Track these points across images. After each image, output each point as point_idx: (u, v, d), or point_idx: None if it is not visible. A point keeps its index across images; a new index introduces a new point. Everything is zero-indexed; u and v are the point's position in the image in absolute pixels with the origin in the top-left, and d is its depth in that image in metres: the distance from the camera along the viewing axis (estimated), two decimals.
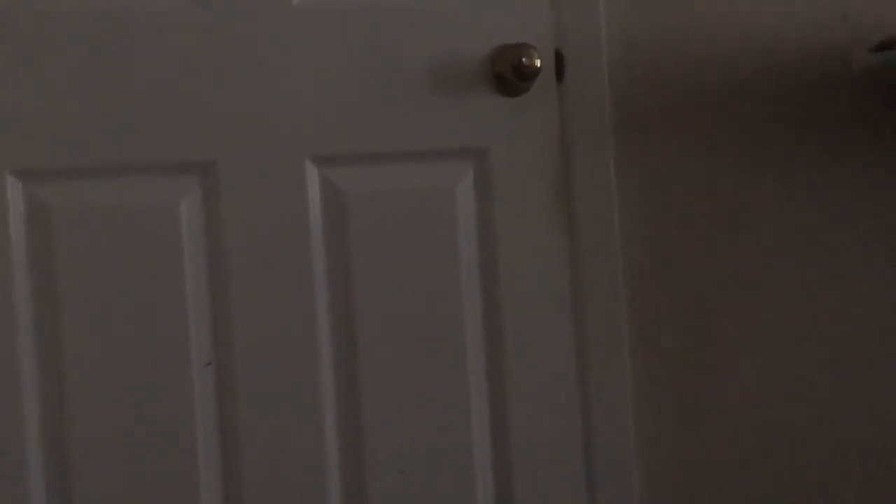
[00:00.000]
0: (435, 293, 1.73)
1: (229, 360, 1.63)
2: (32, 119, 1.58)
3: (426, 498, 1.72)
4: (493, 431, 1.76)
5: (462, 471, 1.74)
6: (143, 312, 1.60)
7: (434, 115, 1.72)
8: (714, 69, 1.85)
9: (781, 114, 1.88)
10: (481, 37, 1.73)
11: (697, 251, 1.86)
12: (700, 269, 1.86)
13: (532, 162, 1.76)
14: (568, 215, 1.79)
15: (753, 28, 1.86)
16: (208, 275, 1.63)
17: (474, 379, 1.75)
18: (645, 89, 1.83)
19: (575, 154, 1.79)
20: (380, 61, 1.70)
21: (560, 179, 1.78)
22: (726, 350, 1.87)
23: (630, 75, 1.82)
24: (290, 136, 1.67)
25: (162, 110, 1.62)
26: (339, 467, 1.69)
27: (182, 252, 1.62)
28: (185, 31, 1.63)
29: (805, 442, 1.89)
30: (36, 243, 1.57)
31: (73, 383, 1.57)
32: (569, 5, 1.78)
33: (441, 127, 1.73)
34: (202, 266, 1.63)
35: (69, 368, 1.57)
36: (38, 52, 1.58)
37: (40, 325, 1.57)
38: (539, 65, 1.69)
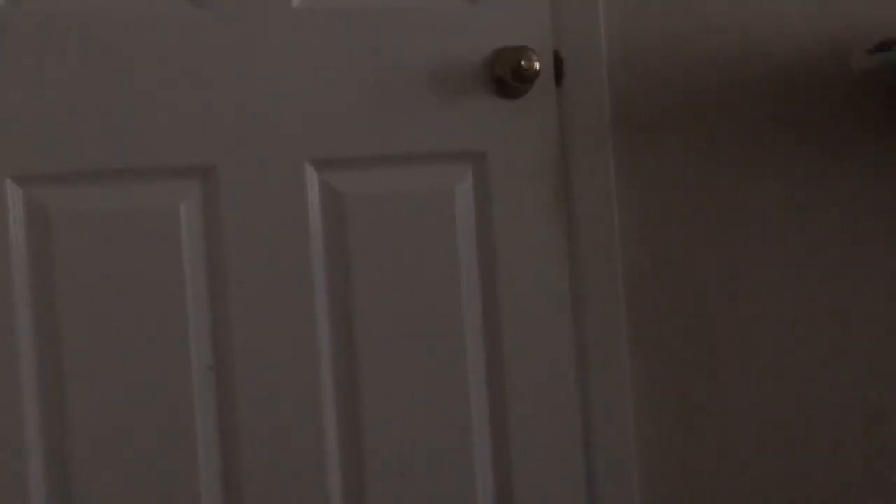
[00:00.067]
0: (435, 295, 1.73)
1: (229, 363, 1.64)
2: (32, 123, 1.57)
3: (426, 498, 1.73)
4: (492, 432, 1.76)
5: (462, 471, 1.75)
6: (144, 316, 1.60)
7: (433, 118, 1.72)
8: (714, 70, 1.85)
9: (781, 114, 1.88)
10: (480, 39, 1.73)
11: (697, 251, 1.86)
12: (700, 269, 1.87)
13: (531, 164, 1.76)
14: (568, 216, 1.79)
15: (753, 29, 1.86)
16: (208, 278, 1.63)
17: (474, 380, 1.75)
18: (645, 90, 1.83)
19: (575, 155, 1.79)
20: (379, 64, 1.70)
21: (560, 181, 1.78)
22: (726, 350, 1.87)
23: (630, 76, 1.82)
24: (289, 139, 1.67)
25: (161, 114, 1.62)
26: (339, 469, 1.69)
27: (182, 256, 1.62)
28: (185, 34, 1.63)
29: (805, 441, 1.90)
30: (36, 248, 1.57)
31: (73, 387, 1.57)
32: (568, 7, 1.78)
33: (440, 129, 1.73)
34: (202, 270, 1.63)
35: (69, 373, 1.57)
36: (37, 55, 1.57)
37: (41, 329, 1.57)
38: (538, 68, 1.69)
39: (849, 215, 1.90)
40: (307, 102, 1.67)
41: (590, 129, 1.80)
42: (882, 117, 1.90)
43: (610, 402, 1.81)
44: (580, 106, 1.79)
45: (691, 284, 1.86)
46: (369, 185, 1.70)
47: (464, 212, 1.75)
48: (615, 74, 1.82)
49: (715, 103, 1.86)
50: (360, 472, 1.70)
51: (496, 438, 1.76)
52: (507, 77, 1.70)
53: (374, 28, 1.70)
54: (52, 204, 1.58)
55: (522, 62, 1.68)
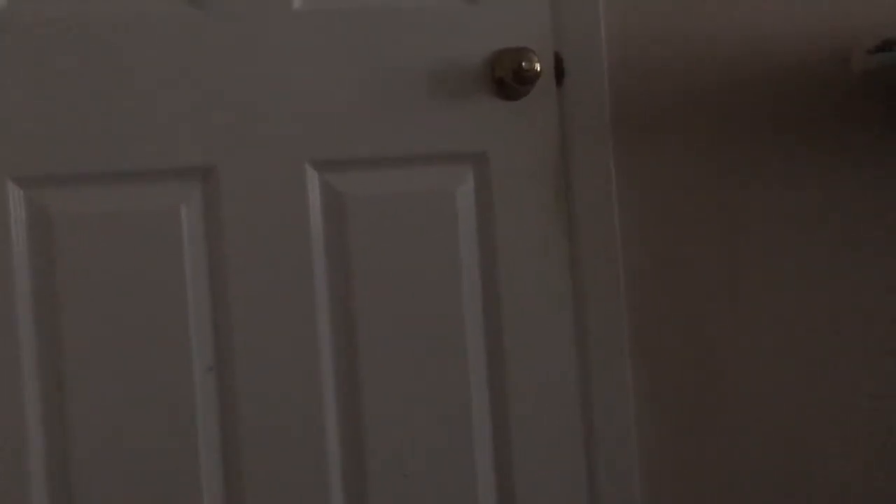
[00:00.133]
0: (436, 295, 1.73)
1: (230, 364, 1.64)
2: (33, 125, 1.57)
3: (427, 498, 1.73)
4: (493, 431, 1.76)
5: (463, 471, 1.75)
6: (145, 318, 1.61)
7: (434, 119, 1.72)
8: (714, 70, 1.85)
9: (781, 114, 1.88)
10: (481, 40, 1.73)
11: (697, 251, 1.86)
12: (700, 269, 1.87)
13: (532, 164, 1.76)
14: (568, 216, 1.79)
15: (753, 29, 1.86)
16: (209, 280, 1.64)
17: (475, 380, 1.75)
18: (645, 90, 1.83)
19: (575, 155, 1.79)
20: (380, 65, 1.70)
21: (560, 181, 1.78)
22: (726, 350, 1.87)
23: (629, 76, 1.82)
24: (290, 140, 1.67)
25: (162, 115, 1.62)
26: (340, 469, 1.70)
27: (183, 257, 1.62)
28: (185, 35, 1.63)
29: (805, 442, 1.90)
30: (37, 250, 1.57)
31: (74, 388, 1.58)
32: (568, 8, 1.78)
33: (441, 130, 1.73)
34: (203, 271, 1.63)
35: (70, 374, 1.57)
36: (38, 56, 1.58)
37: (42, 330, 1.57)
38: (539, 69, 1.69)
39: (849, 215, 1.90)
40: (308, 103, 1.67)
41: (590, 129, 1.80)
42: (882, 118, 1.90)
43: (610, 401, 1.81)
44: (580, 106, 1.79)
45: (691, 284, 1.86)
46: (370, 186, 1.70)
47: (464, 212, 1.75)
48: (615, 74, 1.82)
49: (715, 103, 1.86)
50: (362, 473, 1.70)
51: (497, 438, 1.76)
52: (507, 78, 1.70)
53: (374, 29, 1.70)
54: (53, 205, 1.58)
55: (523, 63, 1.68)
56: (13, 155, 1.57)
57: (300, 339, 1.67)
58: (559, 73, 1.78)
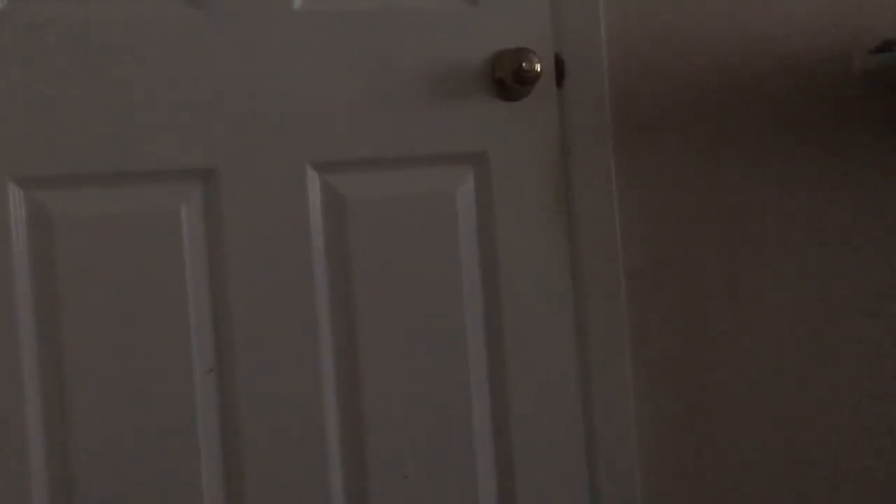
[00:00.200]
0: (436, 296, 1.73)
1: (231, 365, 1.64)
2: (33, 125, 1.57)
3: (428, 499, 1.73)
4: (494, 431, 1.77)
5: (464, 471, 1.75)
6: (145, 319, 1.60)
7: (434, 120, 1.72)
8: (714, 70, 1.85)
9: (781, 114, 1.88)
10: (481, 41, 1.73)
11: (697, 251, 1.87)
12: (700, 269, 1.87)
13: (532, 165, 1.76)
14: (568, 216, 1.79)
15: (753, 29, 1.86)
16: (209, 281, 1.63)
17: (476, 380, 1.75)
18: (645, 90, 1.83)
19: (575, 155, 1.79)
20: (380, 66, 1.70)
21: (560, 181, 1.78)
22: (726, 350, 1.88)
23: (629, 76, 1.83)
24: (290, 142, 1.67)
25: (162, 116, 1.61)
26: (341, 470, 1.70)
27: (183, 258, 1.62)
28: (185, 36, 1.63)
29: (804, 442, 1.90)
30: (37, 250, 1.57)
31: (74, 389, 1.57)
32: (568, 8, 1.78)
33: (441, 131, 1.73)
34: (203, 272, 1.63)
35: (71, 375, 1.57)
36: (38, 58, 1.57)
37: (42, 331, 1.57)
38: (539, 69, 1.69)
39: (849, 215, 1.90)
40: (308, 104, 1.67)
41: (590, 129, 1.80)
42: (883, 118, 1.90)
43: (610, 401, 1.81)
44: (580, 107, 1.79)
45: (691, 284, 1.86)
46: (370, 187, 1.70)
47: (465, 213, 1.75)
48: (615, 75, 1.82)
49: (715, 103, 1.86)
50: (362, 473, 1.70)
51: (497, 438, 1.77)
52: (508, 79, 1.70)
53: (374, 30, 1.70)
54: (54, 206, 1.58)
55: (524, 64, 1.68)
56: (13, 155, 1.56)
57: (300, 340, 1.67)
58: (559, 73, 1.78)
